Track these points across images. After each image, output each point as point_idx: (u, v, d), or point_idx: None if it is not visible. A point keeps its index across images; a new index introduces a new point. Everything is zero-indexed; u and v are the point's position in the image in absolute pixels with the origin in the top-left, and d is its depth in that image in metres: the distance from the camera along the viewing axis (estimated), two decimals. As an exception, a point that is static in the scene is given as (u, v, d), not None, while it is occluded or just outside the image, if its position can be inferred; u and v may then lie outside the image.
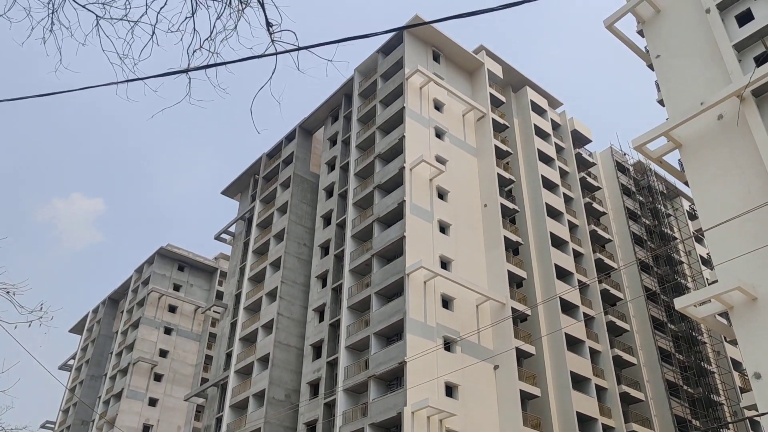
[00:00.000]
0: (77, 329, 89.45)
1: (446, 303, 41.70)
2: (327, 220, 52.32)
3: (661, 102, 30.21)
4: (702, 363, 51.82)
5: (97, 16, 7.07)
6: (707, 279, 55.83)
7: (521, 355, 42.24)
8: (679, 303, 23.72)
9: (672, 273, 56.05)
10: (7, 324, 8.15)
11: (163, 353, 71.58)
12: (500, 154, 51.67)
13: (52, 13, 7.03)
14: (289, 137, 60.73)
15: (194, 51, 7.08)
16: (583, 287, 49.19)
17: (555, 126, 58.98)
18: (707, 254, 57.84)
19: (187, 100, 6.77)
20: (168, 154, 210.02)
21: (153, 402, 68.27)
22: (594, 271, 51.15)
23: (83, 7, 7.03)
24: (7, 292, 7.84)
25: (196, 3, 7.13)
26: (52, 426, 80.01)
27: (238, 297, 56.22)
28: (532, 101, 56.68)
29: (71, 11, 8.25)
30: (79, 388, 77.26)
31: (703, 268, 58.90)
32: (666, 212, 61.97)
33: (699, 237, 58.15)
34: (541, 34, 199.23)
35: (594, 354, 46.66)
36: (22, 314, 8.13)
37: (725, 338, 53.66)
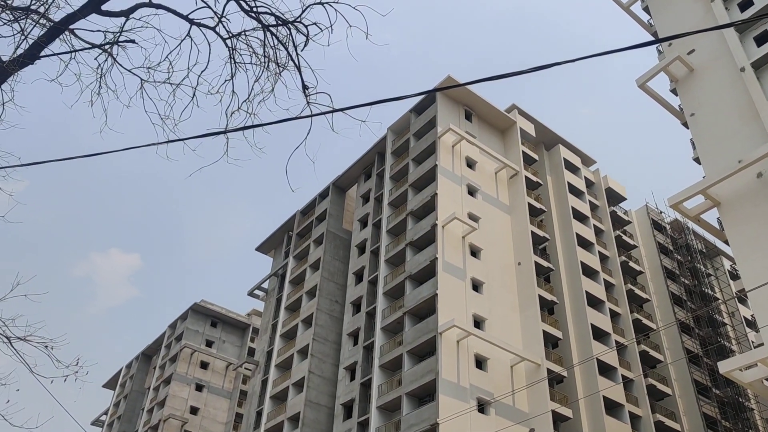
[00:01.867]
0: (110, 384, 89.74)
1: (480, 363, 40.82)
2: (359, 276, 52.26)
3: (697, 160, 29.91)
4: (750, 431, 49.31)
5: (141, 79, 7.40)
6: (753, 342, 53.75)
7: (558, 419, 40.83)
8: (724, 367, 22.84)
9: (715, 335, 54.14)
10: (44, 378, 8.24)
11: (194, 410, 71.13)
12: (534, 212, 51.39)
13: (101, 77, 7.38)
14: (323, 194, 61.48)
15: (233, 112, 7.33)
16: (621, 348, 47.75)
17: (589, 184, 58.63)
18: (752, 316, 55.85)
19: (224, 159, 6.97)
20: (204, 210, 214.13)
21: (182, 460, 67.43)
22: (632, 331, 49.72)
23: (129, 71, 7.37)
24: (45, 347, 7.96)
25: (236, 66, 7.41)
26: (81, 483, 79.38)
27: (269, 354, 55.97)
28: (565, 159, 56.63)
29: (117, 75, 8.62)
30: (109, 445, 76.90)
31: (747, 330, 56.82)
32: (706, 272, 60.38)
33: (742, 298, 56.36)
34: (573, 93, 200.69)
35: (634, 419, 44.84)
36: (59, 368, 8.22)
37: (774, 404, 51.14)
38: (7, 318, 7.85)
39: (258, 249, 67.51)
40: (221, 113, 7.38)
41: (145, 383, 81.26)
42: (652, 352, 49.67)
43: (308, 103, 6.56)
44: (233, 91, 7.43)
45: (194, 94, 7.42)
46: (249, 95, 7.33)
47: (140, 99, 7.42)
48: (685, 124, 31.13)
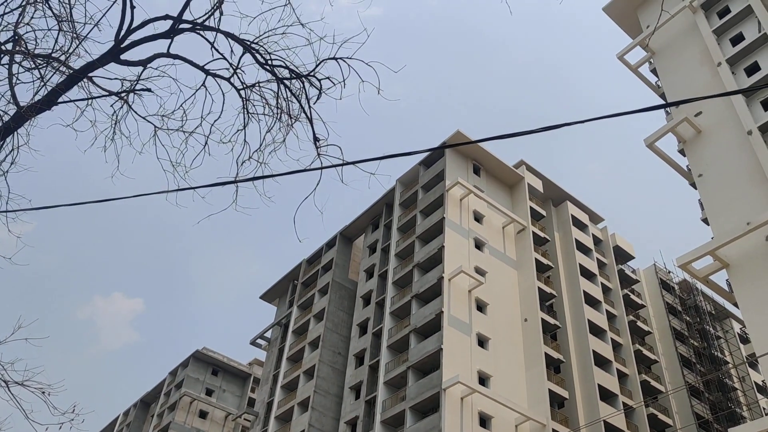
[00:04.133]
0: None
1: (484, 421, 39.91)
2: (363, 328, 51.72)
3: (705, 221, 29.85)
4: (763, 502, 47.58)
5: (155, 127, 7.51)
6: (764, 408, 52.41)
7: (564, 483, 39.58)
8: (735, 433, 22.23)
9: (725, 400, 52.86)
10: (39, 425, 8.08)
11: (190, 461, 69.42)
12: (541, 268, 51.10)
13: (115, 124, 7.50)
14: (330, 244, 61.46)
15: (243, 161, 7.39)
16: (628, 411, 46.62)
17: (596, 241, 58.47)
18: (763, 381, 54.64)
19: (233, 207, 6.99)
20: (210, 257, 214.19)
21: None
22: (640, 393, 48.65)
23: (143, 118, 7.48)
24: (43, 392, 7.83)
25: (248, 117, 7.52)
26: None
27: (269, 405, 54.97)
28: (572, 216, 56.64)
29: (132, 122, 8.76)
30: (101, 495, 74.92)
31: (759, 396, 55.49)
32: (715, 334, 59.43)
33: (753, 362, 55.27)
34: (582, 149, 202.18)
35: (643, 485, 43.43)
36: (55, 415, 8.07)
37: (787, 475, 49.49)
38: (6, 362, 7.76)
39: (262, 297, 67.14)
40: (232, 162, 7.44)
41: (142, 431, 79.68)
42: (661, 416, 48.46)
43: (319, 155, 6.62)
44: (245, 140, 7.51)
45: (206, 143, 7.51)
46: (260, 145, 7.41)
47: (153, 146, 7.51)
48: (693, 185, 31.20)
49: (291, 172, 5.56)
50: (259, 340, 64.72)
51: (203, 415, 73.22)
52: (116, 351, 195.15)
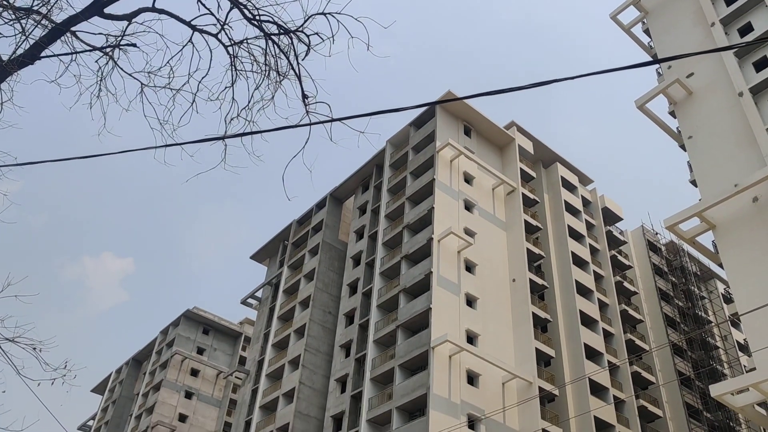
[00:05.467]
0: (99, 389, 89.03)
1: (471, 379, 40.67)
2: (353, 288, 52.13)
3: (693, 182, 30.03)
4: (740, 455, 49.15)
5: (142, 83, 7.40)
6: (745, 366, 53.69)
7: (548, 438, 40.61)
8: (715, 390, 22.78)
9: (707, 358, 54.07)
10: (31, 381, 8.16)
11: (183, 418, 70.55)
12: (530, 229, 51.44)
13: (101, 80, 7.38)
14: (320, 205, 61.46)
15: (232, 119, 7.32)
16: (613, 369, 47.63)
17: (585, 203, 58.78)
18: (744, 340, 55.85)
19: (222, 166, 6.95)
20: (200, 217, 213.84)
21: (168, 468, 66.80)
22: (625, 352, 49.63)
23: (130, 75, 7.37)
24: (34, 349, 7.89)
25: (237, 74, 7.42)
26: (66, 488, 78.50)
27: (260, 363, 55.66)
28: (562, 177, 56.79)
29: (118, 79, 8.64)
30: (95, 450, 76.20)
31: (740, 354, 56.77)
32: (700, 294, 60.43)
33: (735, 321, 56.38)
34: (573, 111, 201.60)
35: (625, 440, 44.62)
36: (47, 371, 8.14)
37: (764, 429, 51.02)
38: (-4, 318, 7.79)
39: (253, 257, 67.33)
40: (220, 120, 7.37)
41: (135, 389, 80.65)
42: (645, 374, 49.56)
43: (307, 112, 6.56)
44: (233, 98, 7.43)
45: (194, 100, 7.42)
46: (249, 103, 7.33)
47: (140, 103, 7.41)
48: (683, 147, 31.28)
49: (279, 128, 5.52)
50: (249, 300, 65.14)
51: (195, 373, 74.12)
52: (106, 311, 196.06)
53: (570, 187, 57.31)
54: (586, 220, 56.60)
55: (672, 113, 32.64)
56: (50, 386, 8.41)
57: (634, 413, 46.12)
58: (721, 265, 26.51)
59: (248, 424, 52.17)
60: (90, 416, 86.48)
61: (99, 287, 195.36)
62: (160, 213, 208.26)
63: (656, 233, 62.66)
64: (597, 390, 45.11)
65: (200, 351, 76.15)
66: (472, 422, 38.42)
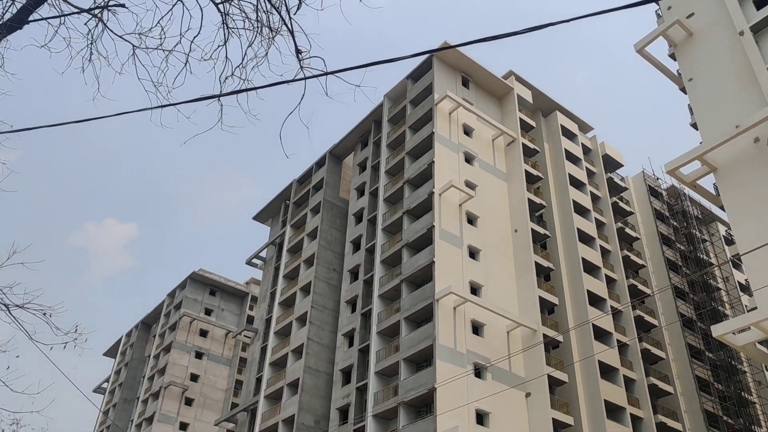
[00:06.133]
0: (111, 353, 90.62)
1: (476, 329, 41.26)
2: (356, 245, 52.43)
3: (694, 125, 29.79)
4: (742, 393, 50.16)
5: (133, 45, 7.30)
6: (746, 306, 54.32)
7: (553, 383, 41.45)
8: (717, 330, 23.08)
9: (709, 300, 54.67)
10: (43, 345, 8.31)
11: (194, 377, 71.98)
12: (530, 179, 51.38)
13: (91, 43, 7.28)
14: (319, 163, 61.31)
15: (226, 78, 7.25)
16: (616, 314, 48.24)
17: (586, 150, 58.53)
18: (745, 280, 56.35)
19: (218, 127, 6.92)
20: (201, 180, 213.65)
21: (183, 426, 68.50)
22: (627, 297, 50.17)
23: (120, 37, 7.27)
24: (44, 314, 8.01)
25: (229, 32, 7.32)
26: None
27: (268, 322, 56.44)
28: (562, 126, 56.41)
29: (109, 42, 8.51)
30: (112, 412, 78.02)
31: (741, 294, 57.37)
32: (701, 237, 60.70)
33: (736, 263, 56.77)
34: (571, 59, 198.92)
35: (629, 382, 45.54)
36: (58, 336, 8.28)
37: (766, 367, 51.93)
38: (4, 286, 7.88)
39: (255, 218, 67.56)
40: (215, 80, 7.31)
41: (146, 351, 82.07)
42: (647, 317, 50.21)
43: (302, 67, 6.49)
44: (226, 57, 7.34)
45: (187, 61, 7.34)
46: (242, 61, 7.24)
47: (132, 66, 7.34)
48: (683, 90, 30.92)
49: (274, 83, 5.47)
50: (254, 260, 65.64)
51: (204, 333, 75.27)
52: (113, 276, 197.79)
53: (570, 136, 57.00)
54: (586, 167, 56.47)
55: (672, 56, 32.15)
56: (62, 350, 8.58)
57: (638, 356, 46.90)
58: (722, 208, 26.53)
59: (259, 380, 53.22)
60: (104, 379, 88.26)
61: (104, 253, 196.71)
62: (160, 177, 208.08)
63: (657, 178, 62.59)
64: (600, 335, 45.80)
65: (208, 312, 77.13)
66: (478, 371, 39.14)
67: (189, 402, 70.09)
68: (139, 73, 7.23)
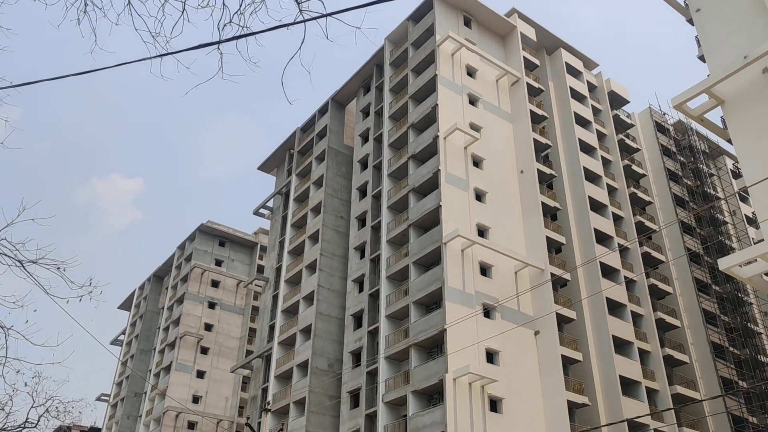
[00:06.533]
0: (125, 306, 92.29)
1: (484, 270, 41.67)
2: (363, 192, 52.50)
3: (701, 58, 29.20)
4: (748, 324, 50.86)
5: (128, -6, 7.17)
6: (753, 239, 54.46)
7: (562, 321, 42.10)
8: (724, 263, 23.15)
9: (716, 234, 54.82)
10: (59, 299, 8.48)
11: (208, 327, 73.45)
12: (536, 119, 50.90)
13: (85, -7, 7.15)
14: (322, 110, 60.79)
15: (224, 25, 7.14)
16: (623, 250, 48.51)
17: (591, 88, 57.71)
18: (752, 213, 56.32)
19: (219, 76, 6.85)
20: (204, 131, 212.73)
21: (201, 374, 70.34)
22: (635, 233, 50.35)
23: (115, -14, 7.13)
24: (58, 268, 8.15)
25: (224, -23, 7.16)
26: (107, 398, 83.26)
27: (278, 270, 57.13)
28: (567, 63, 55.46)
29: (103, -9, 8.34)
30: (130, 362, 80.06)
31: (748, 227, 57.45)
32: (709, 172, 60.39)
33: (743, 196, 56.64)
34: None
35: (636, 317, 46.19)
36: (73, 289, 8.45)
37: (773, 299, 52.39)
38: (17, 242, 7.99)
39: (260, 168, 67.52)
40: (213, 29, 7.21)
41: (159, 303, 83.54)
42: (654, 253, 50.48)
43: (300, 10, 6.38)
44: (224, 3, 7.21)
45: (184, 8, 7.22)
46: (240, 6, 7.12)
47: (129, 16, 7.22)
48: (691, 21, 30.22)
49: (272, 28, 5.40)
50: (262, 210, 65.96)
51: (215, 284, 76.38)
52: (122, 230, 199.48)
53: (575, 73, 56.10)
54: (592, 105, 55.79)
55: (679, -14, 31.31)
56: (78, 304, 8.76)
57: (645, 292, 47.42)
58: (729, 141, 26.26)
59: (272, 328, 54.29)
60: (120, 331, 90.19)
61: (112, 208, 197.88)
62: (164, 130, 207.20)
63: (664, 114, 61.85)
64: (608, 272, 46.22)
65: (218, 263, 78.05)
66: (487, 311, 39.75)
67: (204, 351, 71.74)
68: (135, 24, 7.14)
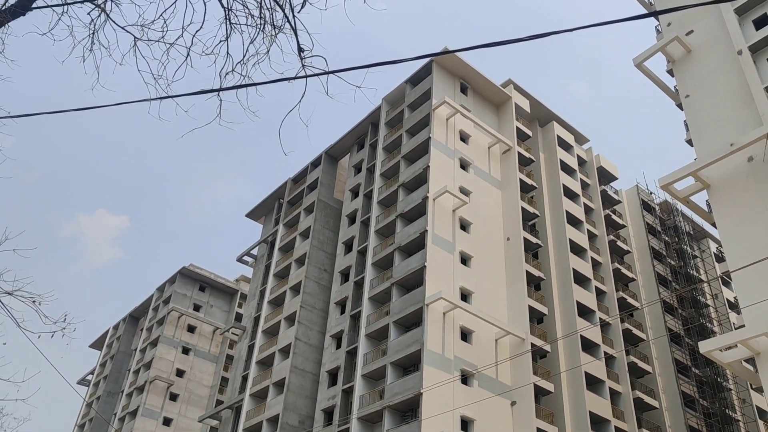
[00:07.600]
0: (97, 344, 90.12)
1: (465, 336, 41.29)
2: (348, 246, 52.40)
3: (689, 142, 29.98)
4: (726, 410, 50.38)
5: (135, 37, 7.30)
6: (734, 323, 54.59)
7: (539, 392, 41.52)
8: (704, 347, 23.21)
9: (697, 316, 54.92)
10: (31, 333, 8.27)
11: (180, 373, 71.69)
12: (525, 188, 51.53)
13: (93, 33, 7.28)
14: (315, 163, 61.27)
15: (227, 73, 7.25)
16: (604, 325, 48.38)
17: (581, 162, 58.76)
18: (734, 298, 56.64)
19: (217, 121, 6.92)
20: (196, 175, 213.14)
21: (167, 422, 68.19)
22: (616, 309, 50.35)
23: (122, 28, 7.27)
24: (33, 302, 7.97)
25: (231, 28, 7.32)
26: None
27: (257, 320, 56.29)
28: (558, 136, 56.61)
29: (111, 32, 8.48)
30: (96, 404, 77.57)
31: (729, 311, 57.66)
32: (692, 253, 60.99)
33: (726, 280, 57.06)
34: (570, 70, 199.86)
35: (614, 395, 45.67)
36: (47, 324, 8.25)
37: (751, 385, 52.18)
38: (-5, 272, 7.84)
39: (248, 215, 67.42)
40: (215, 75, 7.31)
41: (132, 344, 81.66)
42: (635, 331, 50.38)
43: (303, 65, 6.50)
44: (228, 52, 7.34)
45: (188, 54, 7.34)
46: (244, 57, 7.25)
47: (133, 57, 7.33)
48: (680, 106, 31.12)
49: (275, 80, 5.49)
50: (245, 258, 65.47)
51: (191, 329, 75.01)
52: (102, 267, 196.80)
53: (566, 146, 57.21)
54: (581, 179, 56.70)
55: (670, 72, 32.37)
56: (50, 340, 8.54)
57: (624, 369, 47.05)
58: (714, 225, 26.67)
59: (245, 378, 53.04)
60: (89, 371, 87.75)
61: (94, 244, 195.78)
62: (155, 171, 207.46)
63: (651, 193, 62.89)
64: (588, 346, 45.94)
65: (197, 308, 76.89)
66: (465, 377, 39.16)
67: (174, 397, 69.80)
68: (139, 65, 7.23)
